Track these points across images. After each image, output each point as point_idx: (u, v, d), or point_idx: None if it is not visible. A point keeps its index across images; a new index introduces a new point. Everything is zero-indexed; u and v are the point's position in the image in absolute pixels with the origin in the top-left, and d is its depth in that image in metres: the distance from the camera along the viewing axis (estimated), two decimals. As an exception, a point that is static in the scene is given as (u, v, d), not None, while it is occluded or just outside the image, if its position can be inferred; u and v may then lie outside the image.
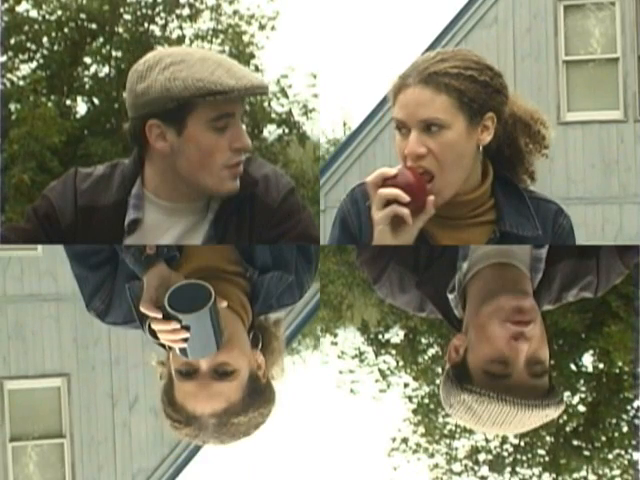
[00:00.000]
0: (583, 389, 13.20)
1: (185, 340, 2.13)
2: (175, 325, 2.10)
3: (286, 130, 15.84)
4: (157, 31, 15.40)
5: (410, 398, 13.35)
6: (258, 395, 2.23)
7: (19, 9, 14.48)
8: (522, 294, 2.26)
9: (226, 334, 2.17)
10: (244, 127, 2.37)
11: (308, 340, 17.33)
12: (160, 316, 2.12)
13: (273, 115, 15.77)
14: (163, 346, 2.27)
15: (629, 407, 12.83)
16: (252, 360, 2.26)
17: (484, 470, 12.40)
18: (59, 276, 10.17)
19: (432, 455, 12.68)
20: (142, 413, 10.42)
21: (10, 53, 14.35)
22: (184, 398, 2.19)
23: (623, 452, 12.47)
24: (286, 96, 15.89)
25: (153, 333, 2.23)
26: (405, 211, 2.17)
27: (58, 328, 10.38)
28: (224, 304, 2.17)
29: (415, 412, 13.14)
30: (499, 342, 2.18)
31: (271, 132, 15.87)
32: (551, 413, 2.16)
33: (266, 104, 15.67)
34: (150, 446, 10.46)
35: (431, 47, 11.08)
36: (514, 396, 2.12)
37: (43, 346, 10.36)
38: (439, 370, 12.86)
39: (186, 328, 2.10)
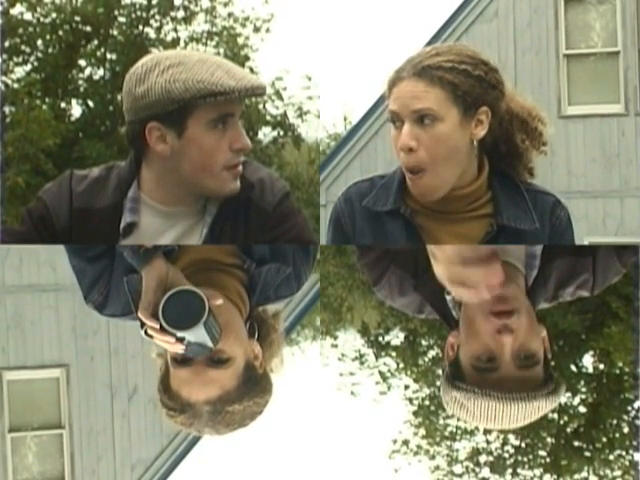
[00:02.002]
0: (583, 390, 13.23)
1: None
2: (171, 339, 2.09)
3: (281, 132, 15.85)
4: (152, 33, 15.41)
5: (411, 400, 13.37)
6: (254, 384, 2.22)
7: (13, 12, 14.45)
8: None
9: (221, 321, 2.15)
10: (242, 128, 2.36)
11: (307, 331, 17.33)
12: (157, 326, 2.10)
13: (268, 117, 15.80)
14: None
15: (630, 408, 12.85)
16: (248, 349, 2.25)
17: (485, 472, 12.43)
18: (58, 266, 10.14)
19: (433, 457, 12.69)
20: (141, 404, 10.44)
21: (5, 56, 14.30)
22: (179, 385, 2.18)
23: (624, 453, 12.49)
24: (281, 98, 15.92)
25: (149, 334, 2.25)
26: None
27: (57, 318, 10.40)
28: (219, 302, 2.14)
29: (416, 414, 13.16)
30: (485, 337, 2.17)
31: (266, 134, 15.91)
32: (544, 405, 2.13)
33: (261, 106, 15.68)
34: (149, 437, 10.48)
35: (431, 41, 11.10)
36: (500, 390, 2.11)
37: (42, 336, 10.38)
38: (439, 372, 12.84)
39: (182, 340, 2.10)
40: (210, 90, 2.25)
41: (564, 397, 12.69)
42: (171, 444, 10.48)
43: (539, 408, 2.13)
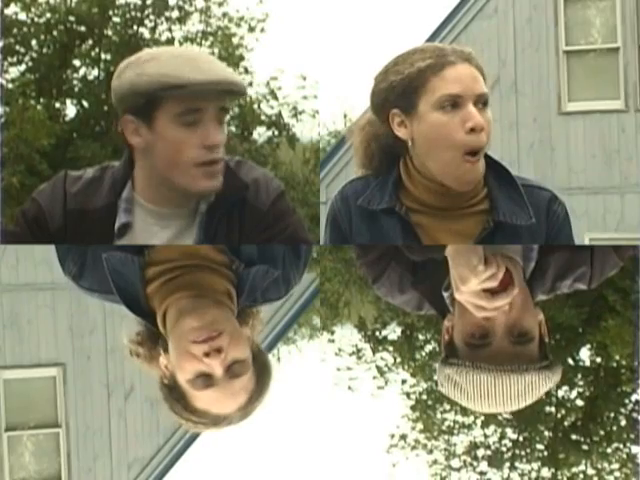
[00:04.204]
0: (581, 383, 13.26)
1: None
2: None
3: (276, 132, 15.80)
4: (146, 33, 15.35)
5: (408, 394, 13.40)
6: (264, 371, 2.24)
7: (8, 12, 14.41)
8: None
9: (228, 331, 2.17)
10: (220, 125, 2.32)
11: (304, 330, 17.34)
12: None
13: (263, 117, 15.73)
14: (153, 324, 2.26)
15: (627, 401, 12.88)
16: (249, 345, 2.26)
17: (483, 466, 12.46)
18: (55, 265, 10.03)
19: (431, 451, 12.72)
20: (138, 402, 10.42)
21: (-1, 56, 14.28)
22: (207, 405, 2.18)
23: (622, 446, 12.51)
24: (276, 98, 15.86)
25: (132, 308, 2.26)
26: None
27: (53, 317, 10.40)
28: None
29: (413, 408, 13.19)
30: (476, 315, 2.17)
31: (261, 134, 15.83)
32: (537, 380, 2.13)
33: (256, 106, 15.65)
34: (146, 435, 10.47)
35: (431, 38, 11.10)
36: (492, 363, 2.12)
37: (38, 335, 10.38)
38: (437, 366, 12.83)
39: None
40: (171, 83, 2.24)
41: (561, 390, 12.72)
42: (168, 443, 10.46)
43: (532, 384, 2.13)
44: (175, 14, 15.46)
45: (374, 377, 13.80)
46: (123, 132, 2.35)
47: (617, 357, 12.98)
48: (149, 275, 2.28)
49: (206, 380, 2.14)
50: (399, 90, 2.28)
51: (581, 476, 12.37)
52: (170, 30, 15.52)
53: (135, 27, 15.17)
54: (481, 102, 2.24)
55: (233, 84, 2.28)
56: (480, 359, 2.13)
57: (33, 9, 14.63)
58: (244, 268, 2.32)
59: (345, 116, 22.36)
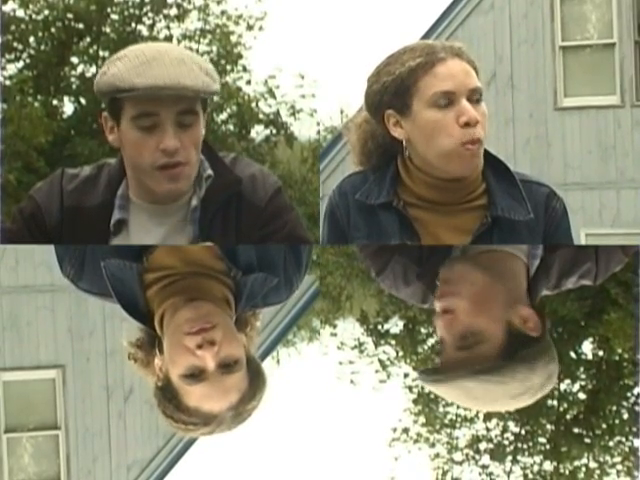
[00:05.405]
0: (583, 377, 13.27)
1: None
2: None
3: (274, 131, 15.80)
4: (144, 31, 15.38)
5: (410, 388, 13.40)
6: (258, 376, 2.23)
7: (6, 8, 14.41)
8: (452, 265, 2.21)
9: (222, 330, 2.15)
10: (179, 128, 2.28)
11: (304, 332, 17.36)
12: None
13: (260, 116, 15.75)
14: (153, 329, 2.25)
15: (629, 394, 12.89)
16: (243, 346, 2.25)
17: (485, 459, 12.47)
18: (54, 267, 9.99)
19: (433, 445, 12.73)
20: (137, 405, 10.42)
21: (-3, 53, 14.28)
22: (198, 401, 2.15)
23: (624, 439, 12.53)
24: (274, 97, 15.88)
25: (131, 312, 2.25)
26: None
27: (53, 319, 10.41)
28: None
29: (415, 402, 13.19)
30: (435, 321, 2.16)
31: (259, 133, 15.85)
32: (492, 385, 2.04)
33: (253, 104, 15.67)
34: (145, 437, 10.48)
35: (428, 34, 11.12)
36: (439, 374, 2.07)
37: (38, 337, 10.39)
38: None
39: None
40: (119, 87, 2.23)
41: (564, 384, 12.73)
42: (167, 445, 10.47)
43: (494, 389, 2.04)
44: (173, 12, 15.50)
45: (376, 371, 13.83)
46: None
47: (619, 350, 12.99)
48: (148, 281, 2.27)
49: (196, 374, 2.13)
50: (392, 91, 2.28)
51: (583, 469, 12.38)
52: (168, 28, 15.56)
53: (133, 24, 15.20)
54: (475, 96, 2.23)
55: (185, 89, 2.23)
56: (428, 370, 2.11)
57: (31, 6, 14.67)
58: (242, 275, 2.29)
59: (342, 112, 22.30)
